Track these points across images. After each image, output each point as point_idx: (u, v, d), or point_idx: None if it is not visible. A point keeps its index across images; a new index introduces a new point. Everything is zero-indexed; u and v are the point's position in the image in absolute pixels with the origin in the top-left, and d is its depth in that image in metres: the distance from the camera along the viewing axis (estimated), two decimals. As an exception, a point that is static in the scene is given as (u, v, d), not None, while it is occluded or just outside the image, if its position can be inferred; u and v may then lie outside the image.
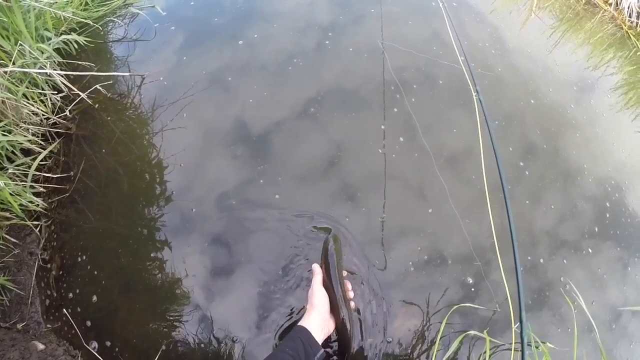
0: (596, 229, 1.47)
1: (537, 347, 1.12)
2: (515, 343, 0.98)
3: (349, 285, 1.01)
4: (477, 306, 1.13)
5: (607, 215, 1.52)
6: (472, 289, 1.17)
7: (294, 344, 0.84)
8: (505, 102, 1.67)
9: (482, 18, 2.09)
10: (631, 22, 2.50)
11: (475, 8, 2.13)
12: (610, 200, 1.57)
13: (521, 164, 1.49)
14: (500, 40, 1.96)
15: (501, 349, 1.09)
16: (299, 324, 0.91)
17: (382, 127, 1.40)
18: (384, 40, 1.68)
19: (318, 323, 0.91)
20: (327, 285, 0.97)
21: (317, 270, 1.01)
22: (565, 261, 1.35)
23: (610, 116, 1.97)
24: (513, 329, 0.93)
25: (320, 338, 0.89)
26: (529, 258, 1.29)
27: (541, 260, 1.31)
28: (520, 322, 0.72)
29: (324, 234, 1.17)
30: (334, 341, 1.03)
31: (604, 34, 2.47)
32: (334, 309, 0.95)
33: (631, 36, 2.46)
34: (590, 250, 1.41)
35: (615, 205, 1.57)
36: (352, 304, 0.99)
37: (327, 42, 1.61)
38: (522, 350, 0.70)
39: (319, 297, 0.95)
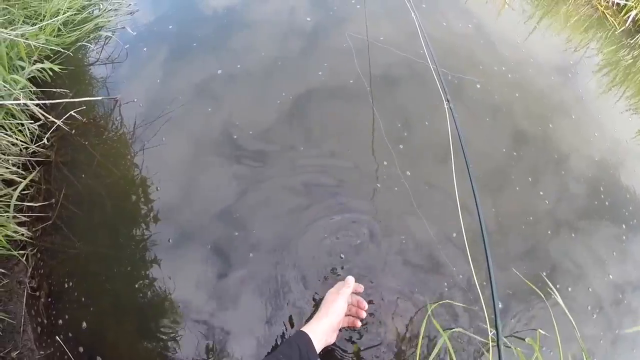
0: (592, 210, 1.49)
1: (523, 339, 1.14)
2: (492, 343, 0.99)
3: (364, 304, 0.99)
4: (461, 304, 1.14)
5: (602, 196, 1.53)
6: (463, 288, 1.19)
7: (290, 350, 0.80)
8: (492, 92, 1.69)
9: (460, 11, 2.10)
10: (607, 2, 2.50)
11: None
12: (604, 181, 1.59)
13: (513, 152, 1.51)
14: (480, 32, 1.98)
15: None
16: (302, 328, 0.87)
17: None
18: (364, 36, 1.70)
19: (323, 332, 0.88)
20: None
21: (350, 283, 0.98)
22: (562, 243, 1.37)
23: (597, 97, 1.97)
24: (490, 336, 0.93)
25: (319, 347, 0.86)
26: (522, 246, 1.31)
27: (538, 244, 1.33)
28: (496, 328, 0.73)
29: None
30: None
31: (581, 16, 2.47)
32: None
33: (608, 16, 2.46)
34: (585, 232, 1.43)
35: (610, 186, 1.58)
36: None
37: (319, 72, 1.61)
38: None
39: (339, 308, 0.92)
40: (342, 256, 1.19)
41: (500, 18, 2.18)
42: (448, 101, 1.01)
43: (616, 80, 2.15)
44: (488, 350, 1.06)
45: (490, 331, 1.02)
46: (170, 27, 1.74)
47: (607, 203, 1.52)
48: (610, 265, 1.39)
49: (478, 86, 1.68)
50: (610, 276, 1.37)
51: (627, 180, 1.63)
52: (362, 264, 1.19)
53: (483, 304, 1.05)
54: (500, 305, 1.03)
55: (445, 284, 1.19)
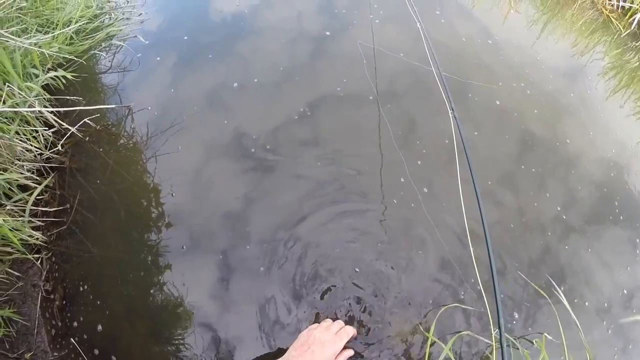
0: (606, 223, 1.49)
1: (532, 343, 1.15)
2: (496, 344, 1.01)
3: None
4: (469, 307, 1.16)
5: (617, 210, 1.54)
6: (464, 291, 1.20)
7: None
8: (499, 96, 1.70)
9: (466, 16, 2.12)
10: (612, 6, 2.51)
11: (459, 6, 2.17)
12: (612, 186, 1.59)
13: (531, 168, 1.52)
14: (486, 37, 1.99)
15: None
16: None
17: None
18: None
19: None
20: None
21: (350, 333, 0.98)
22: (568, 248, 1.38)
23: (604, 101, 1.98)
24: (493, 335, 0.95)
25: None
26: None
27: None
28: (499, 327, 0.74)
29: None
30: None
31: (586, 19, 2.48)
32: None
33: (612, 20, 2.47)
34: (599, 245, 1.43)
35: (624, 199, 1.58)
36: None
37: (338, 88, 1.61)
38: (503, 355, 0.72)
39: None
40: (357, 269, 1.20)
41: (506, 23, 2.19)
42: (452, 110, 1.03)
43: (622, 84, 2.16)
44: (492, 352, 1.07)
45: (494, 330, 1.03)
46: (185, 37, 1.76)
47: (621, 217, 1.52)
48: (624, 279, 1.39)
49: (498, 102, 1.68)
50: (625, 291, 1.37)
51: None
52: (374, 272, 1.21)
53: (487, 306, 1.07)
54: (515, 316, 1.05)
55: (454, 288, 1.20)
